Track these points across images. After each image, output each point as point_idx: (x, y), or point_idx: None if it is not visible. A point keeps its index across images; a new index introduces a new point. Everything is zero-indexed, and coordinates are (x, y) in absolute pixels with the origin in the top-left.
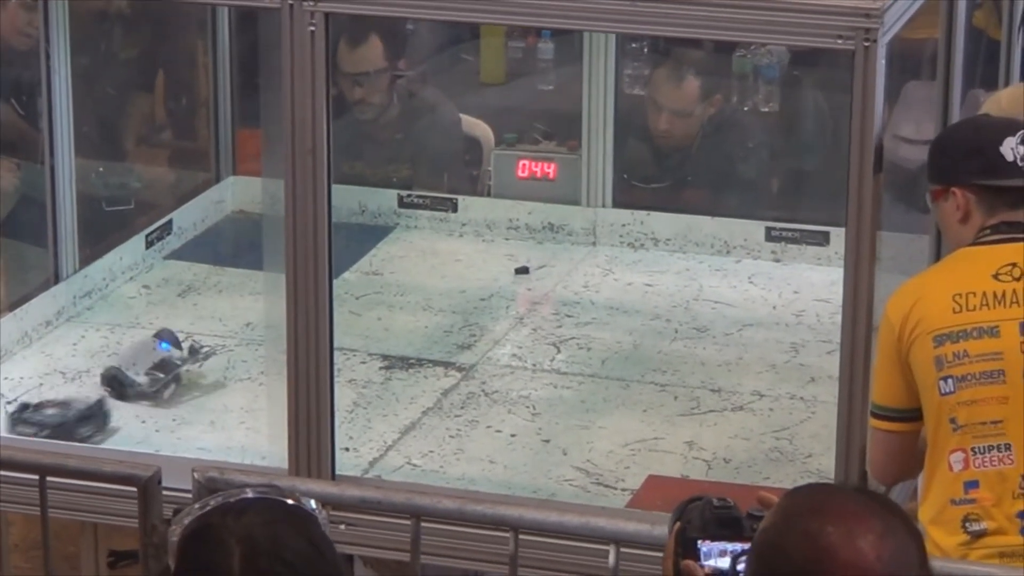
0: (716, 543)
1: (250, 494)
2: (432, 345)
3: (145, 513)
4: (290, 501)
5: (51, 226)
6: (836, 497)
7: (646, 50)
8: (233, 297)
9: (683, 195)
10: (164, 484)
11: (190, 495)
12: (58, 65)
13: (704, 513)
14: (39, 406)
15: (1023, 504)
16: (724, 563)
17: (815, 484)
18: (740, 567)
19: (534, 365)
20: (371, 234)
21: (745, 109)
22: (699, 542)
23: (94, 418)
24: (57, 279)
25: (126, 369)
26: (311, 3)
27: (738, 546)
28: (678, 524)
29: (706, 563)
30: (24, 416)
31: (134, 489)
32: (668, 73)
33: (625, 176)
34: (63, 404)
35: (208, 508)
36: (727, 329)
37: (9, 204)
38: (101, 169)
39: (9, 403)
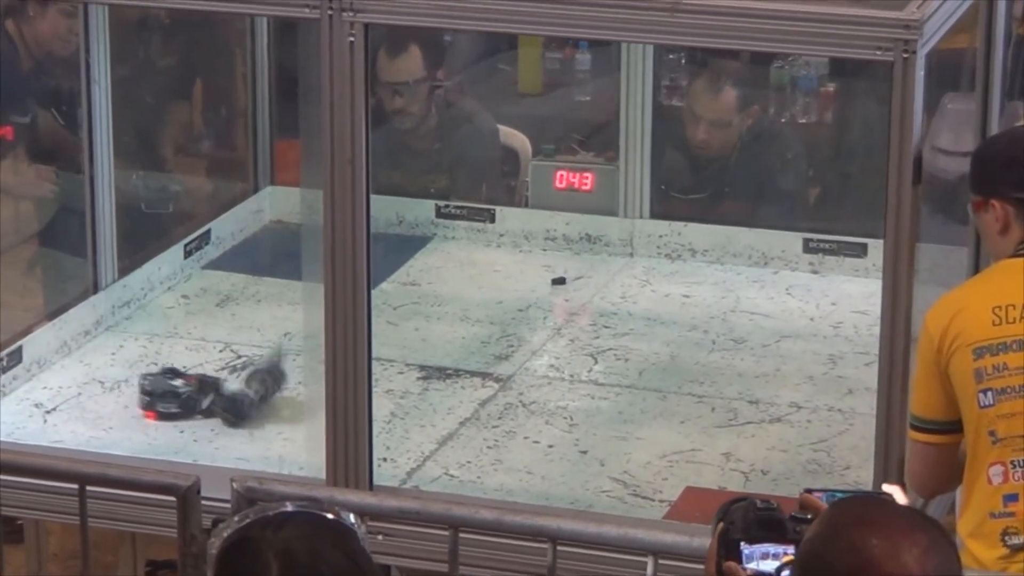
0: (759, 545)
1: (290, 507)
2: (469, 356)
3: (184, 523)
4: (330, 515)
5: (90, 236)
6: (882, 510)
7: (683, 61)
8: (271, 307)
9: (720, 206)
10: (203, 494)
11: (229, 505)
12: (98, 75)
13: (747, 515)
14: (175, 375)
15: None
16: (767, 565)
17: (861, 495)
18: (785, 574)
19: (571, 376)
20: (409, 244)
21: (783, 120)
22: (742, 544)
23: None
24: (96, 289)
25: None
26: (350, 14)
27: (781, 549)
28: (721, 525)
29: (748, 565)
30: (145, 381)
31: (173, 499)
32: (706, 83)
33: (662, 187)
34: (196, 380)
35: (247, 521)
36: (764, 340)
37: (48, 213)
38: (142, 173)
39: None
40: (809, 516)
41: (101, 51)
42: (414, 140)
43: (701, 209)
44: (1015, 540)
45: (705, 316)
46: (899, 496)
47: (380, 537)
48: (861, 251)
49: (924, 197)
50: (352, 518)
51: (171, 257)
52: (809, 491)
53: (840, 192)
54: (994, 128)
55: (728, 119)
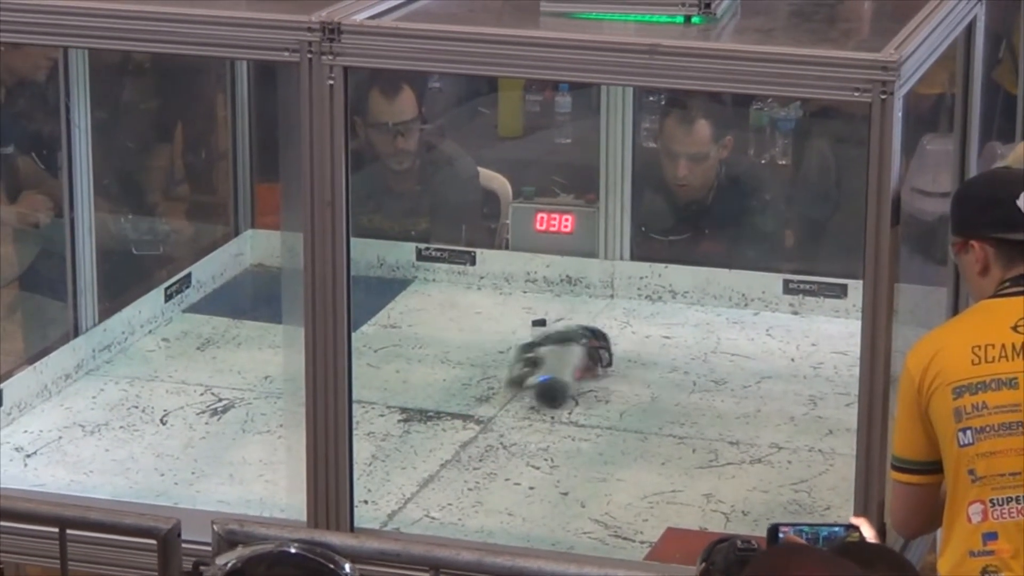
0: None
1: (292, 549)
2: (450, 398)
3: (164, 566)
4: (329, 563)
5: (71, 280)
6: (794, 560)
7: (663, 103)
8: (252, 350)
9: (701, 248)
10: (183, 537)
11: (209, 548)
12: (78, 119)
13: (728, 555)
14: None
15: None
16: None
17: (777, 547)
18: None
19: (552, 418)
20: (389, 287)
21: (762, 162)
22: None
23: None
24: (76, 332)
25: None
26: (330, 57)
27: None
28: (704, 564)
29: None
30: None
31: (154, 542)
32: (678, 118)
33: (643, 229)
34: None
35: (247, 555)
36: (745, 381)
37: (29, 257)
38: (131, 216)
39: None
40: None
41: (81, 94)
42: (395, 183)
43: (681, 251)
44: None
45: (686, 357)
46: (866, 529)
47: None
48: (841, 292)
49: (903, 238)
50: (348, 567)
51: (152, 301)
52: (777, 526)
53: (820, 233)
54: (973, 169)
55: (705, 151)
